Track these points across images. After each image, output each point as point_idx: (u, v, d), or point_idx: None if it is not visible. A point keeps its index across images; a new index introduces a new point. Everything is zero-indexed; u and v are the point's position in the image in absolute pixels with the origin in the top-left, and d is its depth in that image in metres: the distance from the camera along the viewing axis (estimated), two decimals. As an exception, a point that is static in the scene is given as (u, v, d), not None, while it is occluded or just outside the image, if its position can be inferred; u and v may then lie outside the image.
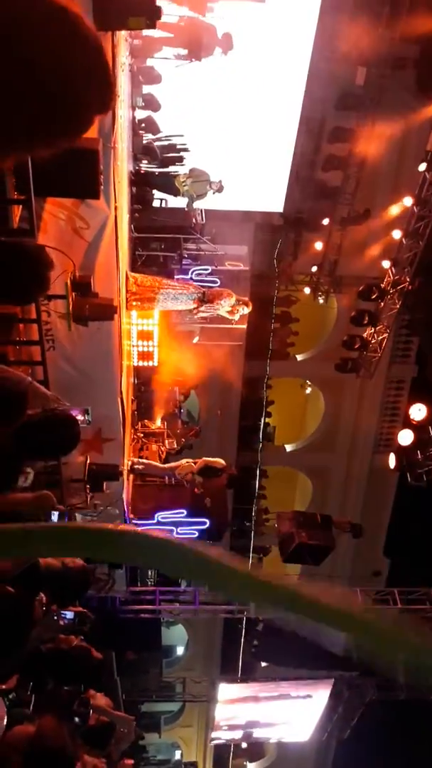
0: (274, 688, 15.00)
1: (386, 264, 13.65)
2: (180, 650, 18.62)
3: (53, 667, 4.29)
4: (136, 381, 11.98)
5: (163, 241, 11.14)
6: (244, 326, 11.78)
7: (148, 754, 17.65)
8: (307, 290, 15.31)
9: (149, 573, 13.20)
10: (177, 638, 18.37)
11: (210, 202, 11.40)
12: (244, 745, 17.94)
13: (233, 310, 9.89)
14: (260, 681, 15.23)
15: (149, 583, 13.25)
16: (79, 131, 1.07)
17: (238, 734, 16.28)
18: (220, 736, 16.49)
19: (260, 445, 16.83)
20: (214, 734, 16.48)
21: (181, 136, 11.17)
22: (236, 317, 10.09)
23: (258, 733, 16.56)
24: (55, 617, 4.07)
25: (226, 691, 14.86)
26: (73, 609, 4.74)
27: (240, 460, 15.65)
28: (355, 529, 14.14)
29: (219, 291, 10.02)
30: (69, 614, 4.14)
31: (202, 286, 10.11)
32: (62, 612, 4.14)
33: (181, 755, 19.21)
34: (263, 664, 15.51)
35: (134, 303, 9.62)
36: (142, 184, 10.86)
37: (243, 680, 15.33)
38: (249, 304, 10.29)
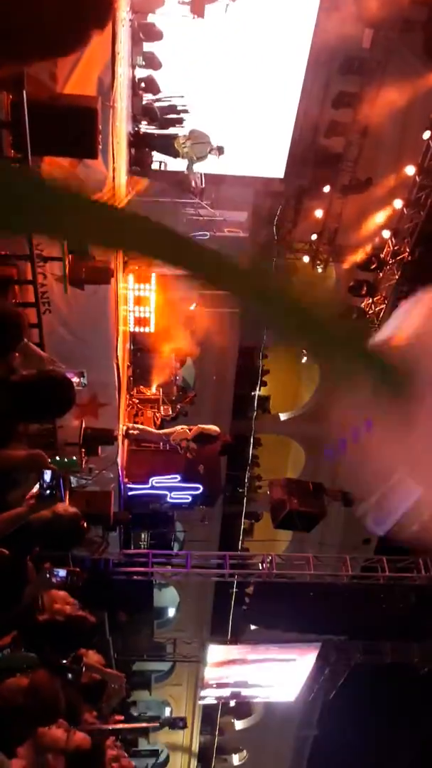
0: (263, 650, 15.34)
1: (386, 234, 13.52)
2: (171, 612, 18.97)
3: (50, 638, 4.37)
4: (132, 347, 11.96)
5: (162, 205, 10.98)
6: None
7: (138, 711, 18.13)
8: (305, 259, 15.19)
9: (142, 536, 13.38)
10: (169, 600, 18.70)
11: (210, 166, 11.21)
12: (232, 703, 18.42)
13: None
14: (249, 643, 15.56)
15: (142, 546, 13.44)
16: (76, 45, 1.05)
17: (226, 693, 16.70)
18: (209, 695, 16.92)
19: (254, 414, 16.89)
20: (203, 693, 16.91)
21: (182, 97, 10.93)
22: None
23: (245, 693, 16.99)
24: (48, 575, 4.14)
25: (215, 652, 15.20)
26: (66, 567, 4.81)
27: (234, 428, 15.72)
28: (346, 498, 14.28)
29: (220, 229, 9.93)
30: (61, 572, 4.21)
31: None
32: (55, 570, 4.21)
33: (171, 712, 19.72)
34: (252, 627, 15.83)
35: (135, 268, 9.55)
36: (141, 145, 10.66)
37: (232, 642, 15.66)
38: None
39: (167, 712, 19.77)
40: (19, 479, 4.09)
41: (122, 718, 10.38)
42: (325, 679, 17.34)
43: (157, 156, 11.22)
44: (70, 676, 4.53)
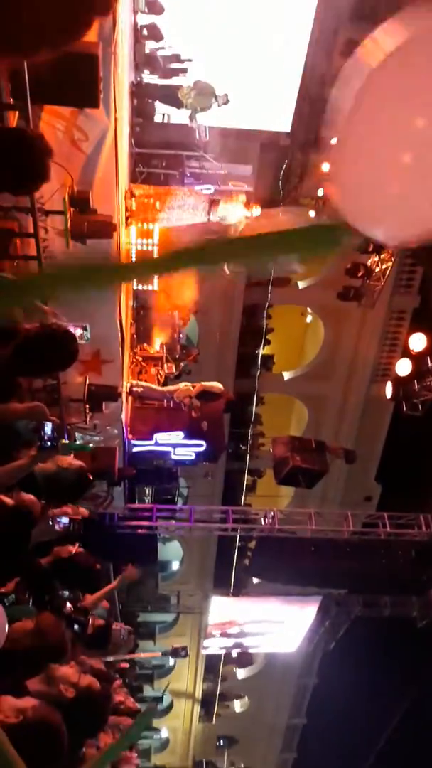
0: (265, 603, 15.71)
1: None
2: (175, 565, 19.38)
3: (56, 575, 4.48)
4: (135, 304, 11.88)
5: (164, 158, 10.75)
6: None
7: (143, 661, 18.70)
8: (312, 214, 14.93)
9: (146, 492, 13.57)
10: (172, 554, 19.08)
11: (214, 118, 10.93)
12: (234, 654, 18.97)
13: (247, 208, 9.65)
14: (251, 596, 15.93)
15: (147, 501, 13.64)
16: (79, 33, 1.02)
17: (228, 644, 17.18)
18: (212, 645, 17.41)
19: (258, 373, 16.91)
20: (206, 643, 17.40)
21: (186, 45, 10.59)
22: (252, 212, 9.79)
23: (247, 644, 17.48)
24: (51, 522, 4.22)
25: (218, 604, 15.58)
26: (68, 515, 4.89)
27: (238, 387, 15.76)
28: (349, 455, 14.42)
29: (228, 192, 9.77)
30: (64, 519, 4.29)
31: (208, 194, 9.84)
32: (57, 517, 4.29)
33: (174, 662, 20.33)
34: (255, 580, 16.17)
35: (137, 224, 9.39)
36: (143, 95, 10.38)
37: (235, 594, 16.03)
38: (259, 205, 10.04)
39: (171, 662, 20.40)
40: (20, 431, 4.13)
41: (127, 666, 10.75)
42: (325, 631, 17.80)
43: (160, 108, 10.95)
44: (76, 627, 4.66)
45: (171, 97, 10.22)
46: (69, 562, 4.50)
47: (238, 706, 22.78)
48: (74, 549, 4.46)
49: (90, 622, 4.64)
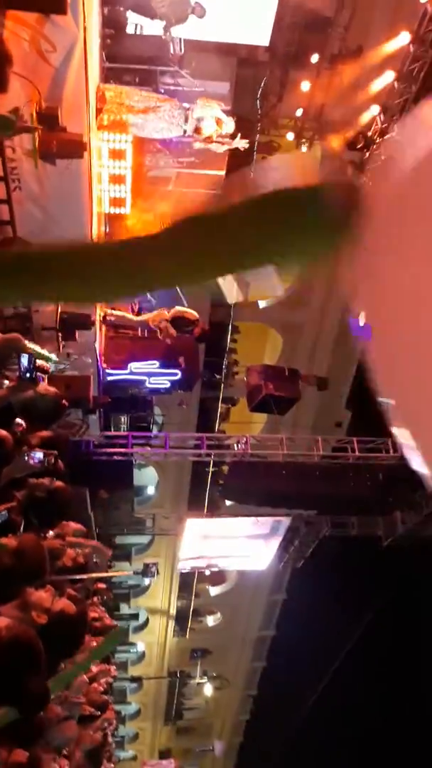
0: (237, 523, 16.25)
1: (375, 110, 12.85)
2: (151, 490, 19.81)
3: (33, 513, 4.54)
4: (107, 230, 11.56)
5: (137, 73, 10.21)
6: (223, 172, 11.22)
7: (119, 580, 19.38)
8: (290, 135, 14.47)
9: (122, 419, 13.69)
10: (148, 479, 19.46)
11: (190, 30, 10.34)
12: (207, 572, 19.74)
13: (218, 123, 9.32)
14: (224, 516, 16.44)
15: (122, 429, 13.78)
16: None
17: (201, 563, 17.84)
18: (186, 565, 18.08)
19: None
20: (180, 563, 18.05)
21: None
22: (224, 129, 9.48)
23: (220, 563, 18.17)
24: (26, 457, 4.26)
25: (192, 525, 16.07)
26: (45, 437, 4.91)
27: (213, 316, 15.66)
28: (321, 383, 14.64)
29: (202, 99, 9.38)
30: (38, 455, 4.32)
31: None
32: (32, 453, 4.32)
33: (150, 581, 21.12)
34: (228, 503, 16.65)
35: (109, 133, 8.93)
36: (114, 3, 9.74)
37: (208, 516, 16.53)
38: (233, 117, 9.71)
39: (146, 581, 21.18)
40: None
41: (104, 586, 11.14)
42: (294, 550, 18.53)
43: (132, 18, 10.30)
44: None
45: (144, 6, 9.60)
46: (47, 499, 4.51)
47: (210, 620, 23.90)
48: (51, 483, 4.49)
49: (66, 551, 4.75)
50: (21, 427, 4.12)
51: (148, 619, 22.67)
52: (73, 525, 5.08)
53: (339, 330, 18.21)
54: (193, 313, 11.11)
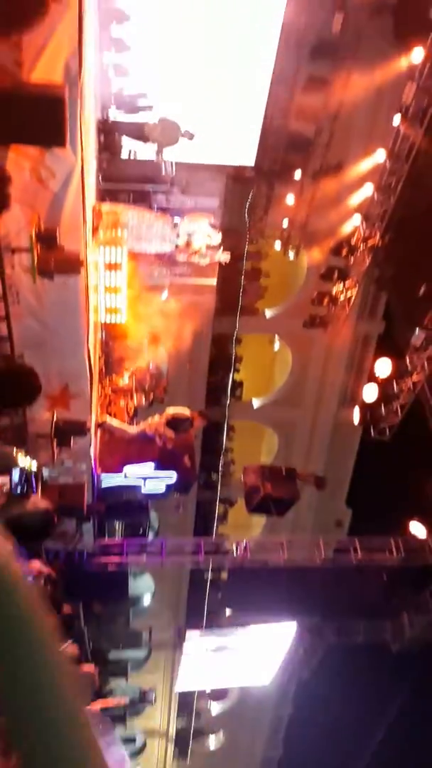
0: (238, 635, 15.51)
1: (357, 219, 13.54)
2: (147, 599, 19.03)
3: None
4: (103, 336, 11.82)
5: (131, 192, 10.81)
6: (214, 281, 11.66)
7: (114, 696, 18.21)
8: (277, 245, 15.15)
9: (116, 526, 13.36)
10: (144, 587, 18.74)
11: (180, 153, 11.07)
12: (207, 689, 18.64)
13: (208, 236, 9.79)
14: (224, 628, 15.71)
15: (117, 535, 13.41)
16: (35, 16, 1.00)
17: (202, 681, 16.87)
18: (185, 681, 17.06)
19: (228, 401, 16.92)
20: (179, 682, 17.03)
21: (152, 82, 10.74)
22: (212, 242, 9.93)
23: (222, 678, 17.19)
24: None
25: (191, 638, 15.31)
26: (38, 565, 4.77)
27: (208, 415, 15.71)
28: (319, 482, 14.46)
29: (192, 215, 9.88)
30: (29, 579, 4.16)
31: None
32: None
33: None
34: (228, 611, 15.98)
35: (104, 247, 9.33)
36: (110, 132, 10.46)
37: (208, 628, 15.80)
38: (218, 231, 10.21)
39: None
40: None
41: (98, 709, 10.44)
42: (300, 660, 17.63)
43: (127, 143, 11.04)
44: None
45: (137, 133, 10.32)
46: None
47: (212, 743, 22.31)
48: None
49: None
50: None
51: (145, 743, 21.10)
52: (69, 648, 4.80)
53: (333, 426, 18.27)
54: (184, 412, 11.17)
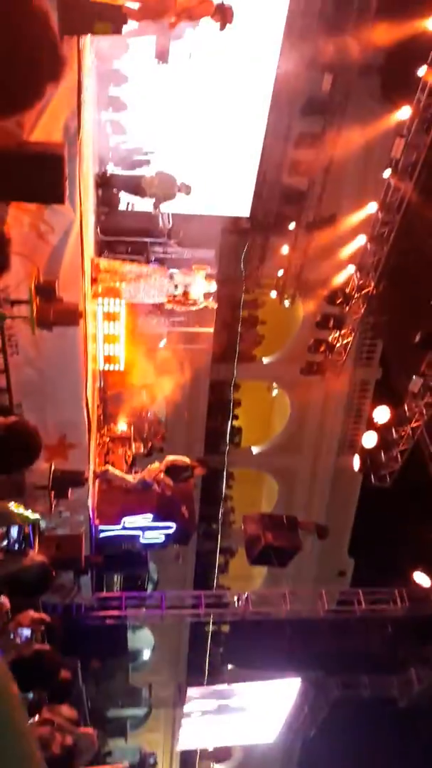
0: (241, 691, 15.05)
1: (351, 269, 13.79)
2: (146, 654, 18.54)
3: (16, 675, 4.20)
4: (101, 384, 11.87)
5: (129, 245, 11.05)
6: (211, 329, 11.78)
7: (114, 761, 17.52)
8: (273, 293, 15.39)
9: (115, 578, 13.11)
10: (143, 642, 18.28)
11: (177, 206, 11.34)
12: (210, 748, 17.97)
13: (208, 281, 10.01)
14: (226, 683, 15.26)
15: (115, 587, 13.15)
16: (34, 99, 1.04)
17: (204, 739, 16.28)
18: (187, 740, 16.46)
19: (227, 448, 16.86)
20: (180, 738, 16.44)
21: (149, 138, 11.09)
22: (210, 288, 10.14)
23: (224, 736, 16.58)
24: (12, 635, 4.01)
25: (192, 695, 14.85)
26: (36, 619, 4.68)
27: (207, 463, 15.62)
28: (321, 531, 14.26)
29: (188, 267, 10.09)
30: (26, 632, 4.08)
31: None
32: (19, 630, 4.08)
33: (147, 762, 19.05)
34: (230, 666, 15.55)
35: (103, 299, 9.49)
36: (108, 186, 10.75)
37: (209, 683, 15.34)
38: (213, 278, 10.43)
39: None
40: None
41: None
42: (304, 717, 17.06)
43: (124, 196, 11.32)
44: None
45: (135, 187, 10.59)
46: (32, 660, 4.24)
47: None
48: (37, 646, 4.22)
49: (56, 738, 4.34)
50: (5, 607, 3.91)
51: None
52: (66, 711, 4.64)
53: (334, 475, 18.16)
54: (183, 459, 11.11)
